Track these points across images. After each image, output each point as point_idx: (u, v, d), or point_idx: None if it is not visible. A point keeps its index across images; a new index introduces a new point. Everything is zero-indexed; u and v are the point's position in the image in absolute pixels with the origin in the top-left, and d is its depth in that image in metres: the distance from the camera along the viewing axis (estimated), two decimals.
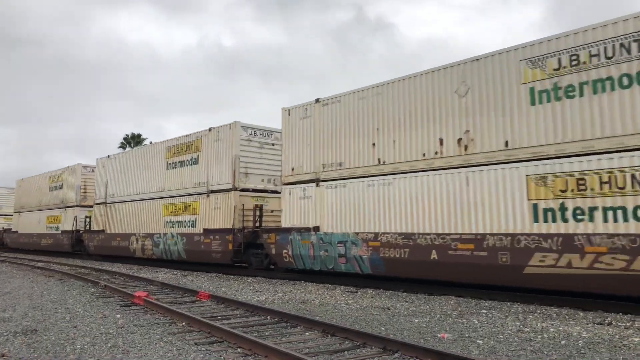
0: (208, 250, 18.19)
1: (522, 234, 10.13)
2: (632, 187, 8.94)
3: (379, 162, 13.15)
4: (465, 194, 11.23)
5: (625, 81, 9.24)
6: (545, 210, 9.94)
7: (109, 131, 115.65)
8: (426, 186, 11.98)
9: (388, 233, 12.58)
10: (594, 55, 9.64)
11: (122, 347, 6.56)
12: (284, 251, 15.17)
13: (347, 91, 14.24)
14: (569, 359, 5.93)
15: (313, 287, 13.54)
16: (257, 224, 17.38)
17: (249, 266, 17.47)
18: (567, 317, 8.79)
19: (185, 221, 19.84)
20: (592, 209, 9.35)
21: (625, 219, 8.93)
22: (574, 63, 9.90)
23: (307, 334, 7.36)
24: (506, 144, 10.73)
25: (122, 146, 60.52)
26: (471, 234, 10.95)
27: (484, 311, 9.39)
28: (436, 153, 11.94)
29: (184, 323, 8.14)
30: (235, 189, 17.78)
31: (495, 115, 10.98)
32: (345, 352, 6.27)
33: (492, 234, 10.59)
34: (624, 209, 8.98)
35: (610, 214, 9.12)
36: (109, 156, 26.34)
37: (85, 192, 29.52)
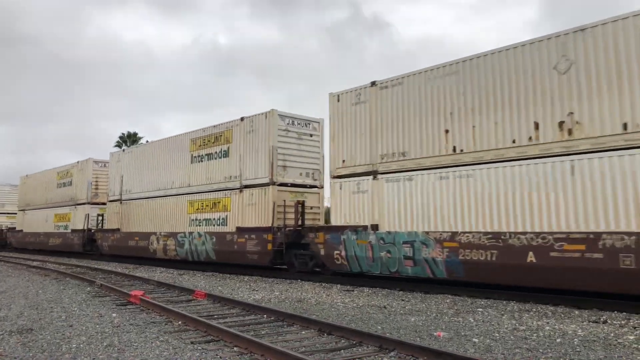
0: (242, 250, 16.70)
1: None
2: None
3: (455, 150, 11.65)
4: (570, 186, 9.76)
5: None
6: None
7: (104, 130, 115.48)
8: (518, 177, 10.48)
9: (469, 232, 11.09)
10: None
11: (118, 346, 6.55)
12: (336, 252, 13.80)
13: (412, 71, 12.71)
14: (565, 357, 5.95)
15: (309, 285, 13.54)
16: (300, 222, 15.97)
17: (290, 269, 15.95)
18: (562, 315, 8.82)
19: (214, 219, 18.28)
20: None
21: None
22: None
23: (303, 332, 7.36)
24: (624, 126, 9.23)
25: (118, 145, 60.34)
26: (581, 233, 9.48)
27: (480, 309, 9.41)
28: (530, 139, 10.43)
29: (180, 322, 8.13)
30: (273, 183, 16.31)
31: (609, 93, 9.44)
32: (342, 351, 6.27)
33: (609, 233, 9.14)
34: None
35: None
36: (123, 150, 24.85)
37: (97, 189, 27.97)
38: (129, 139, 60.88)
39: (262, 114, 16.96)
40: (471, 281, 11.23)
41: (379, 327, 7.75)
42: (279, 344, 6.45)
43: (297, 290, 12.49)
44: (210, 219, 18.49)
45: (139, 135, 61.89)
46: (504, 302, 10.29)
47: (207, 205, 18.71)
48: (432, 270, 11.78)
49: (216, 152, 18.77)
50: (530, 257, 10.11)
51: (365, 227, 13.17)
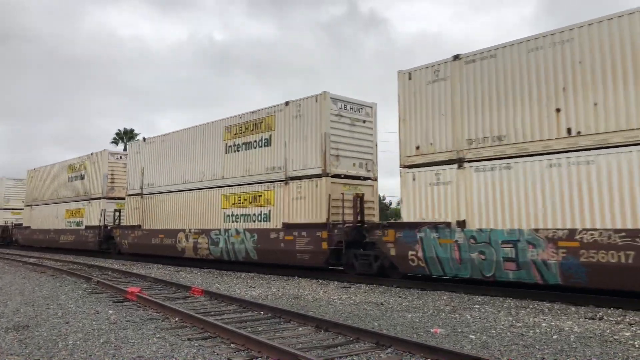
0: (291, 249, 15.00)
1: None
2: None
3: (569, 133, 9.93)
4: None
5: None
6: None
7: (100, 126, 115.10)
8: None
9: (594, 230, 9.35)
10: None
11: (114, 343, 6.54)
12: (410, 253, 12.02)
13: (508, 42, 11.12)
14: (561, 353, 5.97)
15: (306, 282, 13.55)
16: (359, 218, 14.25)
17: (347, 270, 14.04)
18: (559, 312, 8.85)
19: (254, 214, 16.61)
20: None
21: None
22: None
23: (300, 329, 7.36)
24: None
25: (115, 142, 60.30)
26: None
27: (477, 306, 9.43)
28: None
29: (177, 319, 8.12)
30: (326, 174, 14.65)
31: None
32: (339, 347, 6.28)
33: None
34: None
35: None
36: (144, 139, 22.82)
37: (112, 182, 26.07)
38: (126, 136, 60.79)
39: (312, 97, 15.33)
40: (594, 288, 9.60)
41: (376, 324, 7.76)
42: (275, 340, 6.45)
43: (294, 287, 12.49)
44: (249, 214, 16.82)
45: (136, 132, 61.86)
46: (501, 298, 10.31)
47: (246, 200, 16.99)
48: (542, 275, 9.99)
49: (255, 141, 17.03)
50: None
51: (448, 224, 11.51)
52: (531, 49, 10.68)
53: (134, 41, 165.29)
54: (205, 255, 18.29)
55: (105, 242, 24.97)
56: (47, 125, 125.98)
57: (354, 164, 15.56)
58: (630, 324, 7.72)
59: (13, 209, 39.77)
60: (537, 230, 10.13)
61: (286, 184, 15.74)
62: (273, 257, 15.84)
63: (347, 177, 15.25)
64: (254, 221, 16.57)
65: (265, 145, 16.74)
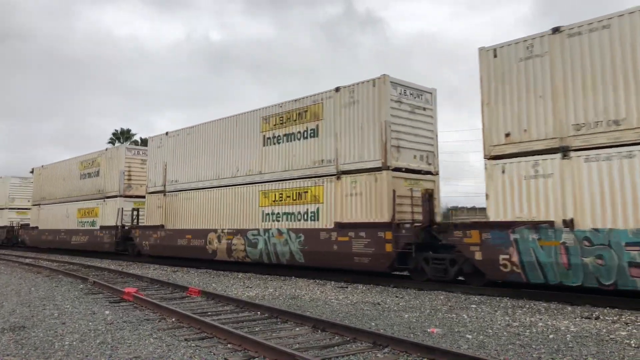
0: (346, 252, 13.39)
1: None
2: None
3: None
4: None
5: None
6: None
7: (97, 126, 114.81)
8: None
9: None
10: None
11: (111, 344, 6.52)
12: (502, 257, 10.47)
13: (627, 9, 9.56)
14: (557, 352, 5.99)
15: (303, 282, 13.54)
16: (426, 217, 12.55)
17: (416, 276, 12.50)
18: (555, 311, 8.87)
19: (299, 213, 15.00)
20: None
21: None
22: None
23: (297, 329, 7.36)
24: None
25: (112, 142, 60.14)
26: None
27: (474, 306, 9.45)
28: None
29: (173, 319, 8.11)
30: (387, 168, 13.03)
31: None
32: (336, 347, 6.28)
33: None
34: None
35: None
36: (167, 133, 21.08)
37: (129, 179, 24.40)
38: (122, 136, 60.68)
39: (368, 81, 13.74)
40: None
41: (373, 324, 7.77)
42: (272, 340, 6.45)
43: (291, 287, 12.49)
44: (293, 212, 15.21)
45: (133, 132, 61.76)
46: (497, 298, 10.33)
47: (289, 197, 15.40)
48: None
49: (299, 132, 15.42)
50: None
51: (551, 223, 9.95)
52: None
53: (131, 41, 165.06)
54: (241, 257, 16.75)
55: (123, 244, 23.40)
56: (44, 124, 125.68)
57: (415, 157, 13.92)
58: (627, 323, 7.75)
59: (18, 208, 37.97)
60: None
61: (338, 178, 14.13)
62: (324, 260, 14.18)
63: (408, 170, 13.69)
64: (299, 220, 14.98)
65: (311, 137, 15.10)
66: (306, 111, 15.40)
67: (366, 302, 10.03)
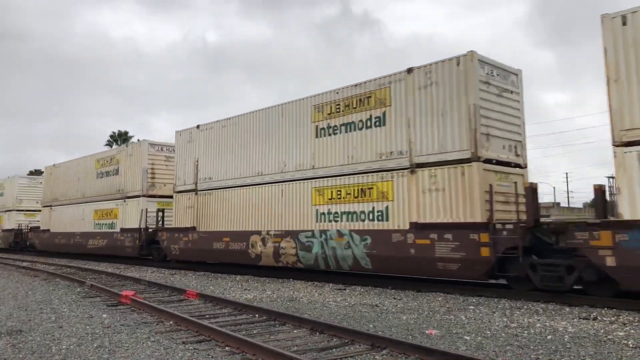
0: (428, 257, 11.64)
1: None
2: None
3: None
4: None
5: None
6: None
7: (94, 128, 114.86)
8: None
9: None
10: None
11: (108, 347, 6.51)
12: None
13: None
14: (555, 353, 5.99)
15: (301, 285, 13.53)
16: (531, 215, 10.69)
17: (517, 285, 10.77)
18: (553, 312, 8.88)
19: (363, 212, 13.25)
20: None
21: None
22: None
23: (295, 331, 7.35)
24: None
25: (109, 144, 60.16)
26: None
27: (472, 307, 9.45)
28: None
29: (171, 322, 8.09)
30: (477, 159, 11.28)
31: None
32: (334, 350, 6.27)
33: None
34: None
35: None
36: (198, 126, 19.27)
37: (153, 178, 22.54)
38: (120, 138, 60.70)
39: (451, 59, 12.01)
40: None
41: (371, 326, 7.76)
42: (270, 343, 6.44)
43: (289, 290, 12.47)
44: (355, 212, 13.44)
45: (130, 134, 61.78)
46: (495, 299, 10.34)
47: (349, 194, 13.66)
48: None
49: (361, 121, 13.68)
50: None
51: None
52: None
53: (128, 42, 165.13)
54: (292, 262, 14.91)
55: (147, 248, 21.40)
56: (40, 126, 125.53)
57: (504, 147, 12.19)
58: (624, 324, 7.76)
59: (26, 210, 35.72)
60: None
61: (412, 172, 12.37)
62: (398, 266, 12.50)
63: (498, 162, 11.97)
64: (363, 220, 13.23)
65: (376, 125, 13.31)
66: (369, 97, 13.57)
67: (364, 304, 10.02)
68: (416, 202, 12.18)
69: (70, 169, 28.74)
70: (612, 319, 8.21)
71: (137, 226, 21.74)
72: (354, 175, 13.66)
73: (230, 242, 16.98)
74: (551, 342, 6.54)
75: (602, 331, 7.22)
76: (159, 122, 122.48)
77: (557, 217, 23.02)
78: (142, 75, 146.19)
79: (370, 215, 13.09)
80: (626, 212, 9.27)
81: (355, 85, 14.01)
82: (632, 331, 7.23)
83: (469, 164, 11.35)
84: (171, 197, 20.90)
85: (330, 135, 14.48)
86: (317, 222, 14.36)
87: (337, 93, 14.44)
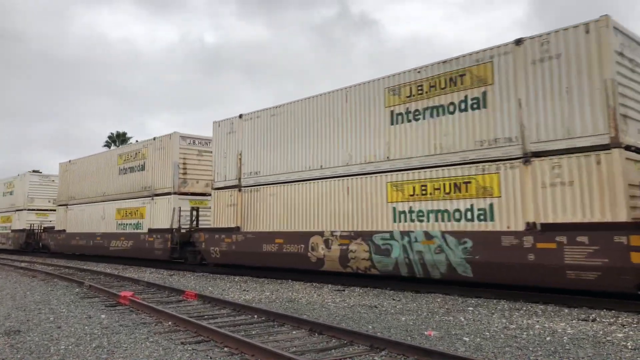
0: (554, 264, 9.67)
1: None
2: None
3: None
4: None
5: None
6: None
7: (92, 129, 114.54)
8: None
9: None
10: None
11: (107, 348, 6.50)
12: None
13: None
14: (554, 355, 5.99)
15: (300, 285, 13.52)
16: None
17: None
18: (552, 313, 8.88)
19: (458, 210, 11.28)
20: None
21: None
22: None
23: (294, 332, 7.34)
24: None
25: (107, 145, 60.07)
26: None
27: (471, 308, 9.45)
28: None
29: (170, 323, 8.08)
30: (618, 145, 9.33)
31: None
32: (333, 351, 6.27)
33: None
34: None
35: None
36: (241, 116, 17.37)
37: (185, 174, 20.66)
38: (118, 139, 60.61)
39: (576, 27, 10.10)
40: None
41: (370, 327, 7.76)
42: (269, 344, 6.43)
43: (288, 290, 12.47)
44: (447, 210, 11.51)
45: (128, 135, 61.70)
46: (494, 301, 10.33)
47: (438, 189, 11.75)
48: None
49: (453, 103, 11.71)
50: None
51: None
52: None
53: (125, 43, 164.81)
54: (364, 268, 12.96)
55: (180, 250, 19.42)
56: (37, 127, 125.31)
57: (638, 130, 10.27)
58: (623, 325, 7.77)
59: (38, 210, 33.65)
60: None
61: (525, 162, 10.44)
62: (510, 274, 10.41)
63: (637, 150, 10.00)
64: (458, 220, 11.29)
65: (473, 108, 11.40)
66: (463, 75, 11.63)
67: (363, 305, 10.02)
68: (533, 199, 10.23)
69: (88, 165, 26.92)
70: (611, 320, 8.21)
71: (167, 226, 19.94)
72: (443, 168, 11.69)
73: (284, 244, 15.05)
74: (550, 344, 6.54)
75: (601, 333, 7.22)
76: (156, 123, 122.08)
77: None
78: (140, 77, 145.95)
79: (469, 214, 11.15)
80: None
81: (444, 61, 12.06)
82: (631, 333, 7.24)
83: (607, 151, 9.37)
84: (204, 194, 19.95)
85: (410, 121, 12.52)
86: (395, 221, 12.45)
87: (419, 72, 12.48)
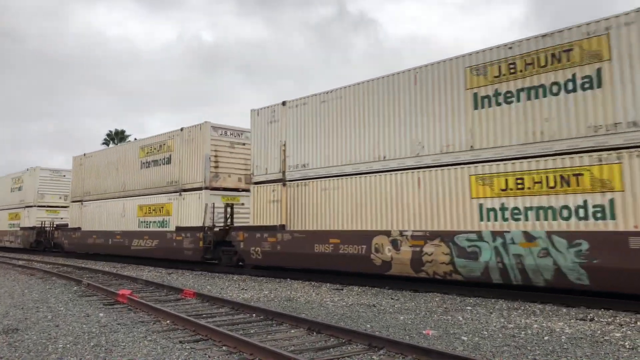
0: None
1: None
2: None
3: None
4: None
5: None
6: None
7: (89, 127, 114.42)
8: None
9: None
10: None
11: (105, 346, 6.49)
12: None
13: None
14: (552, 354, 6.00)
15: (299, 284, 13.52)
16: None
17: None
18: (550, 313, 8.90)
19: (567, 207, 9.70)
20: None
21: None
22: None
23: (292, 331, 7.34)
24: None
25: (106, 143, 60.05)
26: None
27: (469, 308, 9.46)
28: None
29: (168, 321, 8.08)
30: None
31: None
32: (331, 350, 6.27)
33: None
34: None
35: None
36: (284, 103, 15.72)
37: (216, 167, 19.03)
38: (117, 137, 60.57)
39: None
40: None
41: (368, 326, 7.76)
42: (268, 342, 6.43)
43: (287, 289, 12.47)
44: (551, 207, 9.88)
45: (127, 133, 61.64)
46: (493, 300, 10.34)
47: (538, 182, 10.13)
48: None
49: (556, 83, 10.14)
50: None
51: None
52: None
53: (123, 41, 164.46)
54: (443, 273, 11.30)
55: (214, 250, 17.80)
56: (35, 126, 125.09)
57: None
58: (621, 325, 7.78)
59: (49, 206, 32.01)
60: None
61: None
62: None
63: None
64: (567, 218, 9.68)
65: (585, 88, 9.76)
66: (569, 50, 10.05)
67: (361, 304, 10.02)
68: None
69: (105, 158, 25.14)
70: (609, 320, 8.22)
71: (199, 224, 18.30)
72: (546, 158, 10.08)
73: (340, 245, 13.40)
74: (548, 343, 6.55)
75: (599, 332, 7.24)
76: (154, 121, 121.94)
77: None
78: (137, 75, 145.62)
79: (581, 211, 9.54)
80: None
81: (544, 36, 10.38)
82: (629, 332, 7.25)
83: None
84: (236, 189, 18.82)
85: (499, 104, 10.89)
86: (482, 220, 10.84)
87: (511, 48, 10.87)
